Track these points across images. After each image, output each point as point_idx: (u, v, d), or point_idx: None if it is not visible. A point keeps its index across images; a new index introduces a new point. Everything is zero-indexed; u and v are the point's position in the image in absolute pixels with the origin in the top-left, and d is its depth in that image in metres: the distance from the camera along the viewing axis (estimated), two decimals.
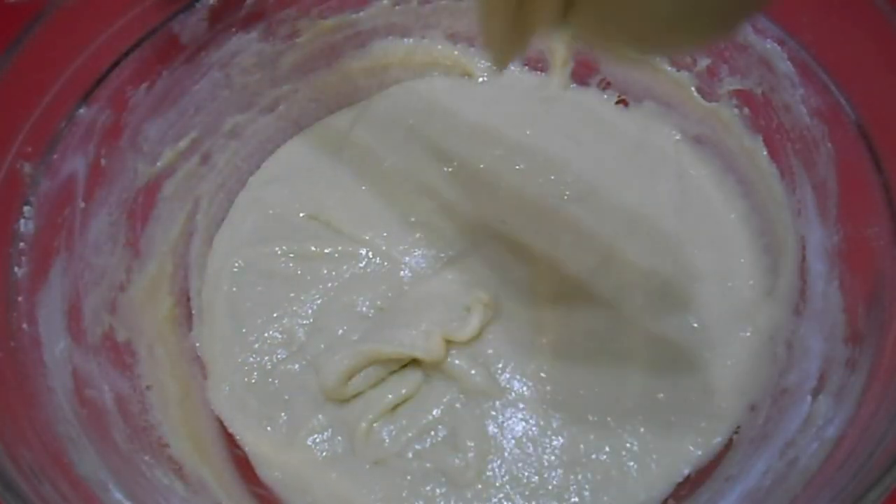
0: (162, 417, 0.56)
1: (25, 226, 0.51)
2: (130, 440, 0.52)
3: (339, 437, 0.58)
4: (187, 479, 0.53)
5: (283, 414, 0.59)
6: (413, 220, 0.66)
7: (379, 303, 0.63)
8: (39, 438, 0.46)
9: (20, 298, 0.50)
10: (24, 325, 0.50)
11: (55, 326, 0.52)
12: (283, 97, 0.70)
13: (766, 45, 0.58)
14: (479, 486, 0.55)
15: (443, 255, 0.65)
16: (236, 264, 0.66)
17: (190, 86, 0.63)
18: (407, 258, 0.65)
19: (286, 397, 0.60)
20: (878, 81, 0.52)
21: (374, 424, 0.57)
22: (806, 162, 0.58)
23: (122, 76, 0.58)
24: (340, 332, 0.61)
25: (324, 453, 0.57)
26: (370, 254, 0.65)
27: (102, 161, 0.57)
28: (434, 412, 0.58)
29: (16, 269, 0.50)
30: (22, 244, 0.51)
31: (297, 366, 0.61)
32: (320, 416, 0.58)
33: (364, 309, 0.62)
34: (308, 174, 0.70)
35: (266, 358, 0.61)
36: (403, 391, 0.58)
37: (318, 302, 0.63)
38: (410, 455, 0.56)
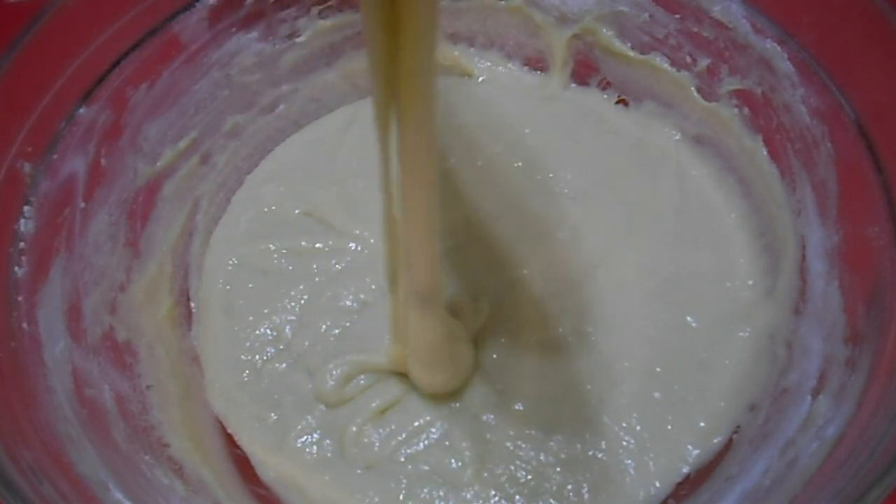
0: (162, 417, 0.56)
1: (25, 226, 0.51)
2: (130, 440, 0.52)
3: (328, 441, 0.57)
4: (187, 479, 0.53)
5: (272, 414, 0.59)
6: None
7: (362, 296, 0.62)
8: (39, 438, 0.46)
9: (20, 298, 0.50)
10: (24, 325, 0.49)
11: (55, 326, 0.52)
12: (283, 97, 0.70)
13: (766, 45, 0.58)
14: (478, 487, 0.55)
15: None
16: (231, 262, 0.65)
17: (190, 86, 0.63)
18: None
19: (276, 397, 0.59)
20: (878, 81, 0.52)
21: (364, 428, 0.57)
22: (806, 162, 0.57)
23: (122, 76, 0.58)
24: (324, 327, 0.61)
25: (314, 456, 0.57)
26: (359, 247, 0.65)
27: (102, 161, 0.57)
28: (424, 415, 0.57)
29: (16, 269, 0.50)
30: (22, 244, 0.51)
31: (284, 364, 0.60)
32: (309, 417, 0.58)
33: (348, 303, 0.62)
34: (305, 171, 0.70)
35: (257, 356, 0.61)
36: (391, 395, 0.58)
37: (306, 297, 0.63)
38: (402, 459, 0.56)
